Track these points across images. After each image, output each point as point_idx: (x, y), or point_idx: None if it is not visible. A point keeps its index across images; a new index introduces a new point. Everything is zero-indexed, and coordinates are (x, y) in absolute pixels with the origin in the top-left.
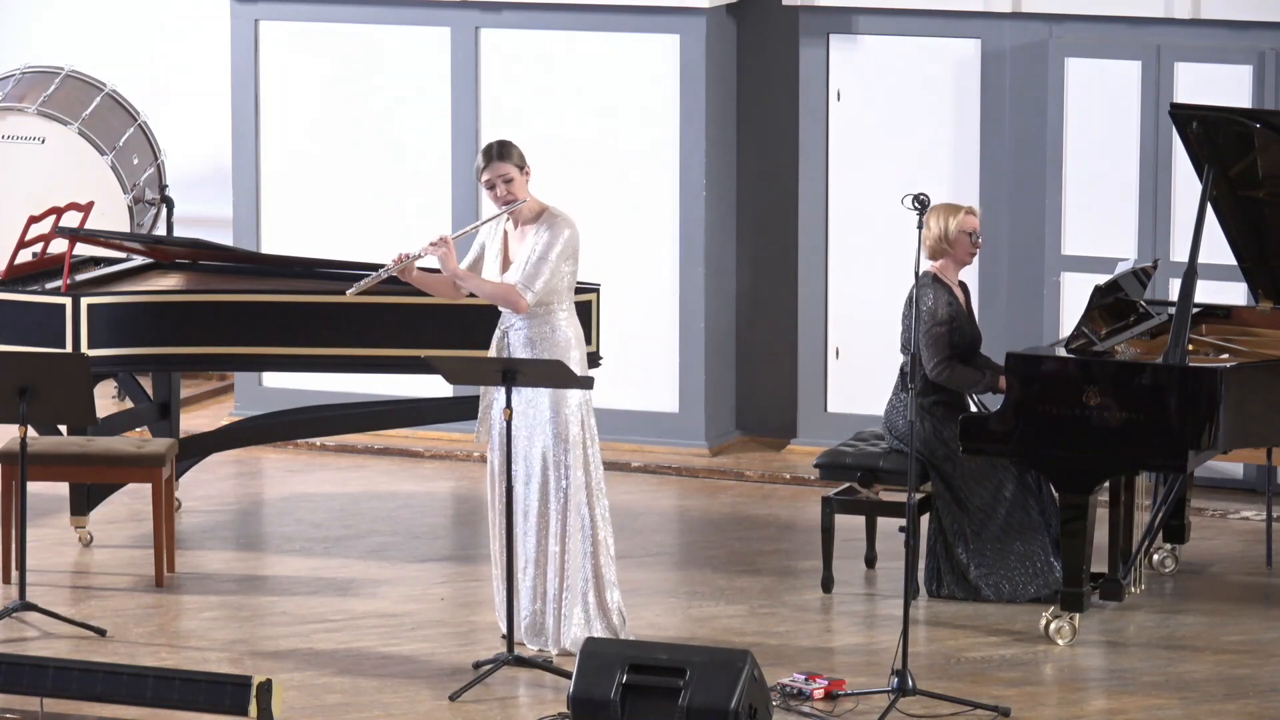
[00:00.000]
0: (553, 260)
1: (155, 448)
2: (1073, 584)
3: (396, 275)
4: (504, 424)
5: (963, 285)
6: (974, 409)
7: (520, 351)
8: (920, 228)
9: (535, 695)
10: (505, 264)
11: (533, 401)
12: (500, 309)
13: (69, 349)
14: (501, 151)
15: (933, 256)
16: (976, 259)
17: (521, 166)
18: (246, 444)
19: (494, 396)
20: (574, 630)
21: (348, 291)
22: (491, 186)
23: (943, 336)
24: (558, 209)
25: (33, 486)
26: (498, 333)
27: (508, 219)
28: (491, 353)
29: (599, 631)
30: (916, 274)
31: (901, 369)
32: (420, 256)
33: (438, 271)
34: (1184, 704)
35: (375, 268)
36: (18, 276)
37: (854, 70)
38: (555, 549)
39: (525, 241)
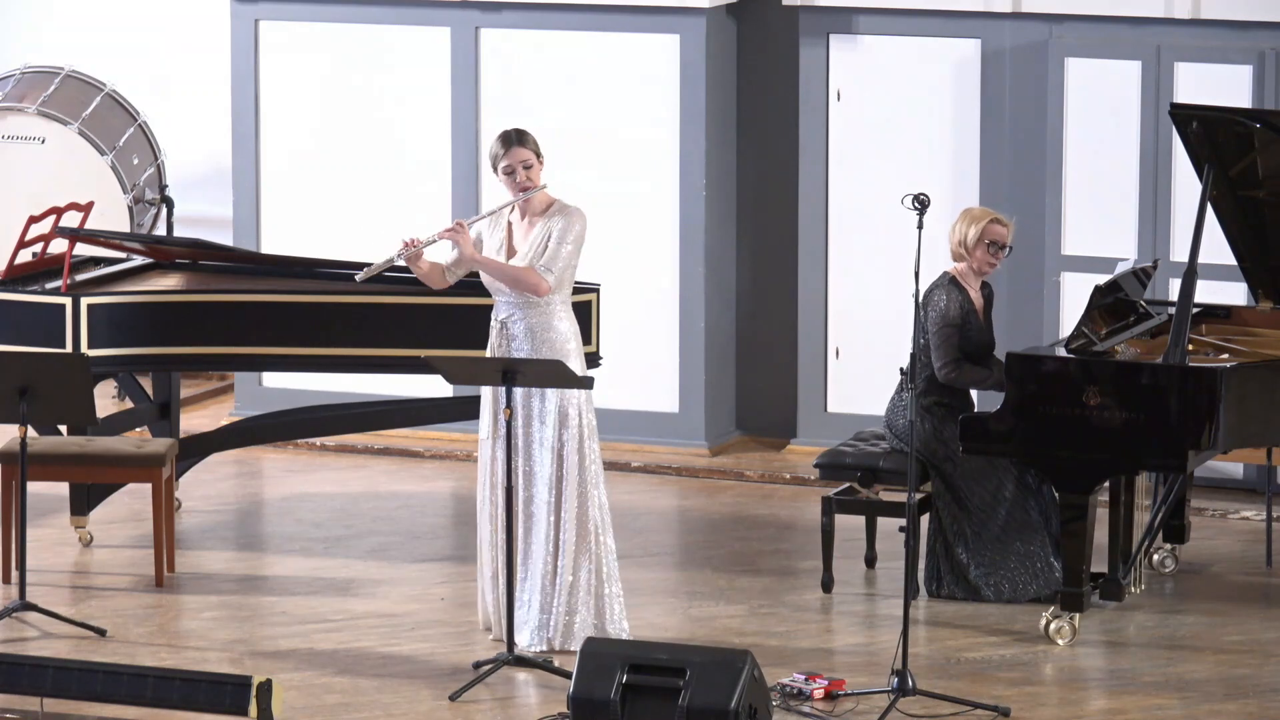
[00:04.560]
0: (569, 246)
1: (155, 448)
2: (1073, 584)
3: (404, 262)
4: (505, 422)
5: (986, 288)
6: (976, 409)
7: (521, 340)
8: (920, 228)
9: (535, 695)
10: (510, 255)
11: (534, 394)
12: (495, 299)
13: (69, 349)
14: (520, 138)
15: (955, 259)
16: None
17: (538, 154)
18: (246, 444)
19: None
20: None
21: (357, 276)
22: (511, 172)
23: (951, 338)
24: (567, 201)
25: (33, 486)
26: (495, 325)
27: (514, 210)
28: (491, 342)
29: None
30: (916, 274)
31: (902, 369)
32: (433, 242)
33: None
34: (1184, 704)
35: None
36: (18, 276)
37: (854, 70)
38: (566, 538)
39: (534, 231)
